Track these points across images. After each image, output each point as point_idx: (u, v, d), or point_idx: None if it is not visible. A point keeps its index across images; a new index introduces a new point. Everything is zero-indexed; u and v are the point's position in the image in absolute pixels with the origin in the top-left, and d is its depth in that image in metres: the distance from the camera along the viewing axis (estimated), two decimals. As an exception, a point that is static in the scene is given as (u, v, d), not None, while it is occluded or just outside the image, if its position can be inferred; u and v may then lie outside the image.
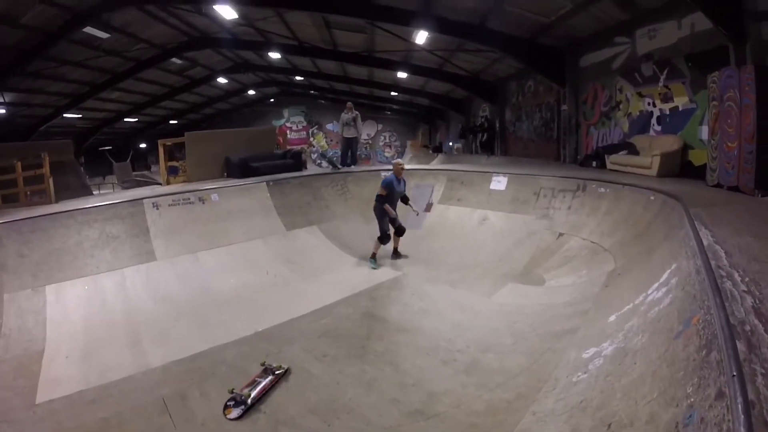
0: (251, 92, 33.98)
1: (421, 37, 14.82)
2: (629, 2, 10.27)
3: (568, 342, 4.40)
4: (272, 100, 38.07)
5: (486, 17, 12.82)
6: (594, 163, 12.01)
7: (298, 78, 29.91)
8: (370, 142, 39.20)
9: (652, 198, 6.93)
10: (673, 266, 3.83)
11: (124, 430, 4.58)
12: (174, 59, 21.78)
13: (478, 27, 13.36)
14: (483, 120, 22.72)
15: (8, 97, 19.98)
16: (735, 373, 1.69)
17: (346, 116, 14.45)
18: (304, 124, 39.89)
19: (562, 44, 13.65)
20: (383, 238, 9.54)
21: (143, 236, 9.03)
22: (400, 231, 9.92)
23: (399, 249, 10.11)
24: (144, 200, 9.55)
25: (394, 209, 9.60)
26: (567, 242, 7.96)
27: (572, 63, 13.87)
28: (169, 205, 9.68)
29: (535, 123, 17.44)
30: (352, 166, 14.58)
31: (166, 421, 4.59)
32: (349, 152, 14.83)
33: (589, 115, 13.67)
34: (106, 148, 34.46)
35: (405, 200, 10.07)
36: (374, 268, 9.13)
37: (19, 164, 11.66)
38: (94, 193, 17.66)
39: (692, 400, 1.89)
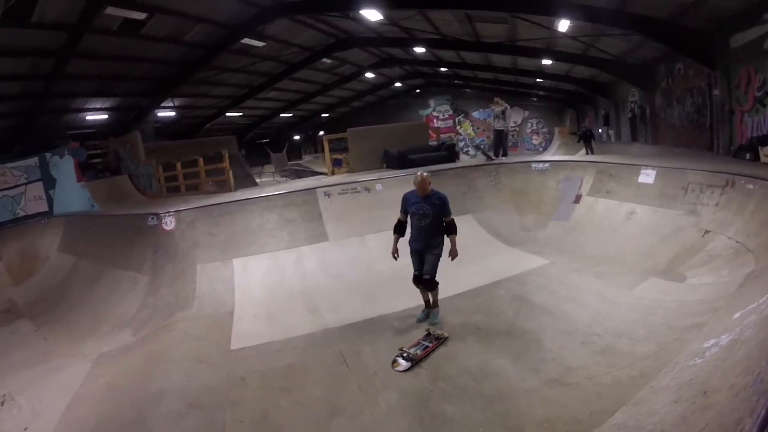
0: (397, 84, 35.47)
1: (563, 24, 14.99)
2: None
3: (694, 335, 4.86)
4: (418, 90, 39.20)
5: (625, 1, 12.64)
6: (747, 156, 11.13)
7: (442, 69, 30.66)
8: (517, 129, 38.92)
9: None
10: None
11: (308, 375, 5.89)
12: (324, 59, 23.58)
13: (617, 12, 13.15)
14: (633, 105, 22.05)
15: (177, 102, 23.43)
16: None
17: (496, 109, 15.12)
18: (450, 112, 40.52)
19: (707, 24, 12.89)
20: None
21: (317, 220, 10.61)
22: (425, 283, 6.97)
23: (431, 305, 7.20)
24: (316, 189, 11.16)
25: (423, 239, 6.95)
26: (712, 240, 7.93)
27: (721, 44, 12.90)
28: (338, 194, 11.20)
29: (687, 109, 16.42)
30: (503, 158, 15.19)
31: (343, 370, 5.87)
32: (500, 144, 15.42)
33: (743, 101, 12.68)
34: (264, 140, 37.84)
35: (449, 230, 6.95)
36: (434, 323, 6.87)
37: (201, 159, 14.04)
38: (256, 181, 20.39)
39: (762, 370, 2.58)
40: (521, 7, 14.10)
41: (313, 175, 23.23)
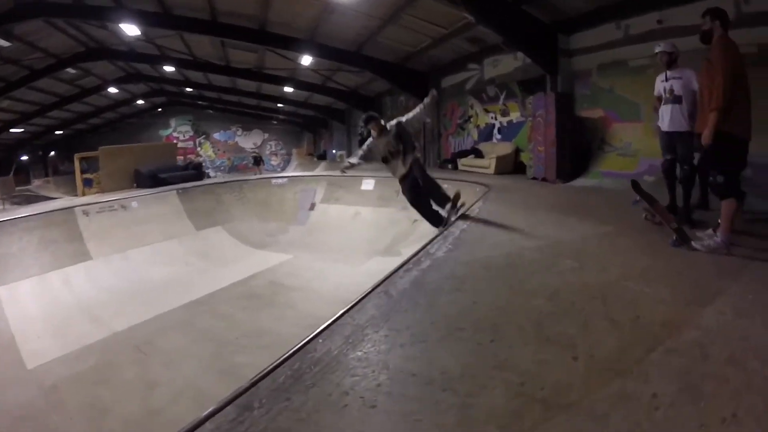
0: (140, 102, 33.55)
1: (306, 59, 16.97)
2: (477, 39, 12.96)
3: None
4: (160, 109, 37.87)
5: (362, 45, 15.24)
6: (449, 166, 14.78)
7: (188, 89, 30.52)
8: (257, 151, 40.14)
9: (477, 189, 9.58)
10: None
11: (114, 368, 6.34)
12: (68, 69, 21.29)
13: (355, 53, 15.75)
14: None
15: None
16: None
17: None
18: (192, 133, 40.08)
19: (426, 68, 16.40)
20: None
21: (78, 240, 10.41)
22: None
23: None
24: (75, 208, 10.99)
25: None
26: (420, 226, 9.96)
27: (435, 83, 16.57)
28: (96, 212, 11.15)
29: None
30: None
31: (142, 357, 6.54)
32: None
33: (448, 126, 16.65)
34: None
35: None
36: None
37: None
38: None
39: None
40: (271, 42, 15.63)
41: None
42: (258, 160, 37.00)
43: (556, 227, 5.80)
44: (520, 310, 3.32)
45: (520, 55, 12.21)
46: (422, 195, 7.23)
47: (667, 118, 5.92)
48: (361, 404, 2.30)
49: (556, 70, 10.81)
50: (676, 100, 5.81)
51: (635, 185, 5.57)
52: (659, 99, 6.11)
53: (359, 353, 2.89)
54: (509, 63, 12.96)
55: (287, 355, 2.91)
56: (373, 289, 4.01)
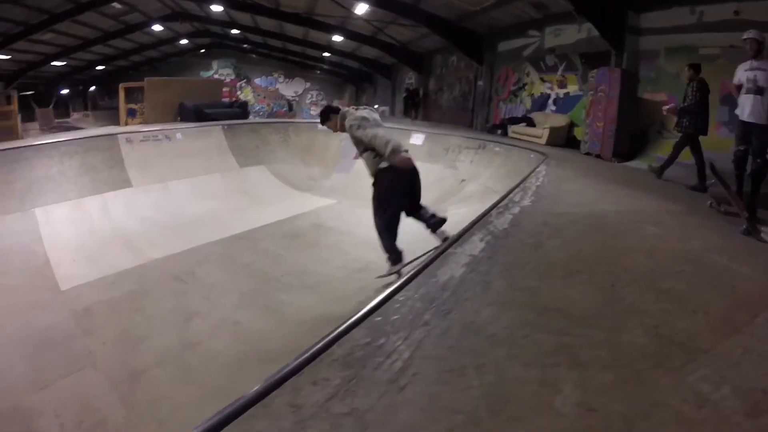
0: (183, 41, 32.71)
1: (361, 8, 16.52)
2: (542, 5, 12.48)
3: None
4: (203, 50, 37.02)
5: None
6: (499, 131, 14.22)
7: (234, 31, 29.81)
8: (297, 99, 39.82)
9: (531, 156, 9.29)
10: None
11: (151, 295, 6.27)
12: (114, 3, 20.74)
13: (412, 6, 15.29)
14: (408, 86, 24.69)
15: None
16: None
17: None
18: (233, 77, 38.93)
19: (483, 30, 15.86)
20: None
21: (119, 166, 10.36)
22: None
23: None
24: (118, 135, 10.92)
25: None
26: (467, 186, 10.14)
27: (491, 46, 16.18)
28: (140, 141, 11.10)
29: (455, 94, 19.66)
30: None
31: (183, 286, 6.51)
32: None
33: (501, 92, 16.17)
34: (29, 92, 32.83)
35: None
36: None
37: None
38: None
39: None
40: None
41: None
42: (290, 106, 36.84)
43: (625, 198, 5.74)
44: (624, 262, 3.34)
45: (584, 27, 11.74)
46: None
47: (747, 108, 5.82)
48: (509, 334, 2.27)
49: (623, 47, 10.48)
50: (759, 91, 5.71)
51: (713, 168, 5.66)
52: (738, 87, 6.02)
53: (485, 283, 2.87)
54: (572, 34, 12.48)
55: (407, 278, 2.88)
56: (471, 226, 4.13)
